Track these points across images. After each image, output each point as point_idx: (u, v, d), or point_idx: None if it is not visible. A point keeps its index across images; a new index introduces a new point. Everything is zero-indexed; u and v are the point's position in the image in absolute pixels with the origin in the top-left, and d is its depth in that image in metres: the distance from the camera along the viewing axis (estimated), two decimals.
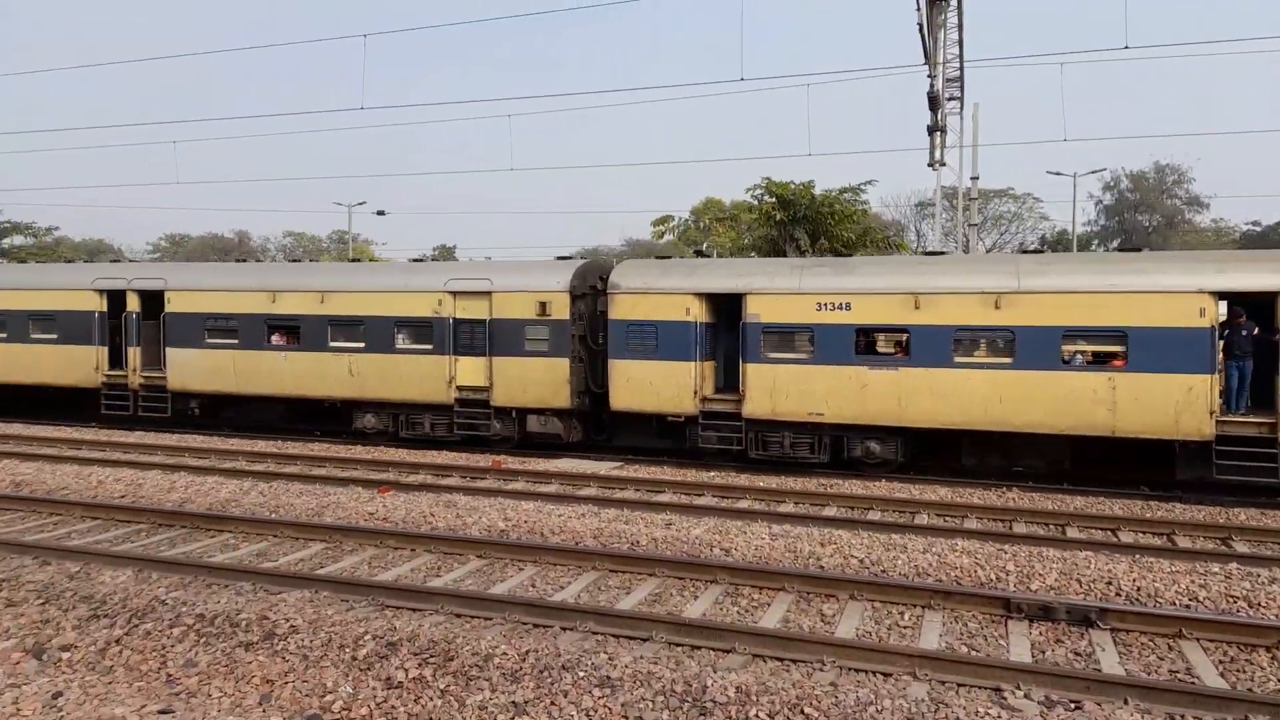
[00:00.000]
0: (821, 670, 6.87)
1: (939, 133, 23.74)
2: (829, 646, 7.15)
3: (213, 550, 10.36)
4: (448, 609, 8.21)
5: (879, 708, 5.99)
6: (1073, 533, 11.70)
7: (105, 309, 20.28)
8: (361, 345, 18.11)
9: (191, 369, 19.37)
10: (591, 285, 17.30)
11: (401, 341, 17.95)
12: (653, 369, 16.08)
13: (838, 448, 15.38)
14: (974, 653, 7.42)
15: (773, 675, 6.67)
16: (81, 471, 14.80)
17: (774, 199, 28.76)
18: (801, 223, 28.59)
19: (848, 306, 14.90)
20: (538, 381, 16.96)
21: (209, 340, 19.27)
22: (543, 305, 16.88)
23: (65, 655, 7.03)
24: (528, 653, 6.87)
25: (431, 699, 6.27)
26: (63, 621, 7.65)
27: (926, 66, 22.92)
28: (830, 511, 12.89)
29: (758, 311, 15.44)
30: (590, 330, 17.18)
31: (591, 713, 6.00)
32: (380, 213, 50.99)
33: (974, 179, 29.34)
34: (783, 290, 15.36)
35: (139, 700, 6.26)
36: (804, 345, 15.26)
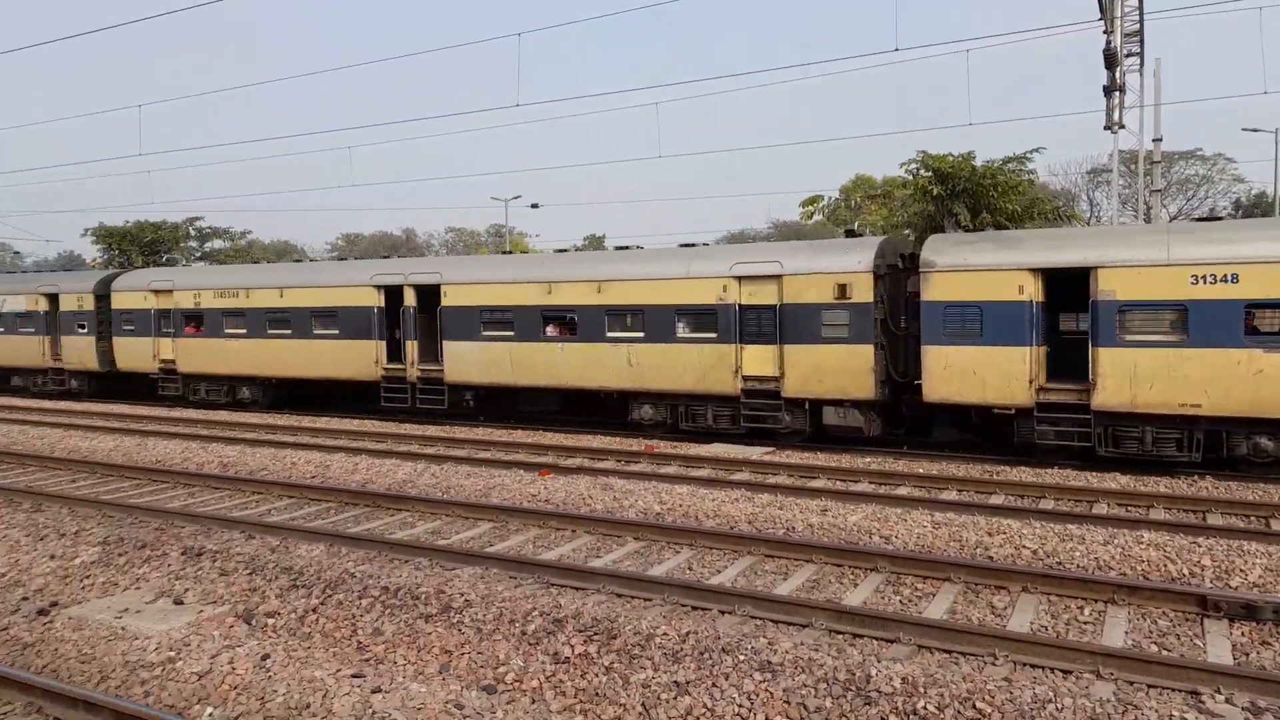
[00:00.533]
0: (994, 664, 6.59)
1: (1117, 93, 21.94)
2: (1001, 640, 6.85)
3: (393, 527, 11.11)
4: (609, 589, 8.44)
5: (1059, 705, 5.70)
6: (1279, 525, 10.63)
7: (383, 304, 20.56)
8: (640, 335, 17.53)
9: (467, 361, 19.35)
10: (891, 264, 16.11)
11: (682, 330, 17.22)
12: (977, 355, 14.56)
13: (1213, 444, 13.44)
14: (1165, 652, 6.90)
15: (940, 667, 6.46)
16: (278, 454, 16.20)
17: (930, 173, 27.52)
18: (961, 196, 27.20)
19: (1234, 279, 12.76)
20: (837, 370, 15.78)
21: (484, 333, 19.19)
22: (842, 288, 15.70)
23: (270, 621, 7.75)
24: (688, 634, 6.98)
25: (597, 675, 6.49)
26: (267, 590, 8.43)
27: (1102, 22, 21.23)
28: (997, 500, 12.29)
29: (1113, 287, 13.53)
30: (890, 313, 15.95)
31: (753, 696, 6.03)
32: (534, 205, 52.68)
33: (1156, 141, 26.93)
34: (1146, 262, 13.41)
35: (334, 664, 6.83)
36: (1174, 325, 13.29)
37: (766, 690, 6.07)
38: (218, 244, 53.67)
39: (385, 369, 20.56)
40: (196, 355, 23.63)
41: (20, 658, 7.11)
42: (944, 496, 12.42)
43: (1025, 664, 6.61)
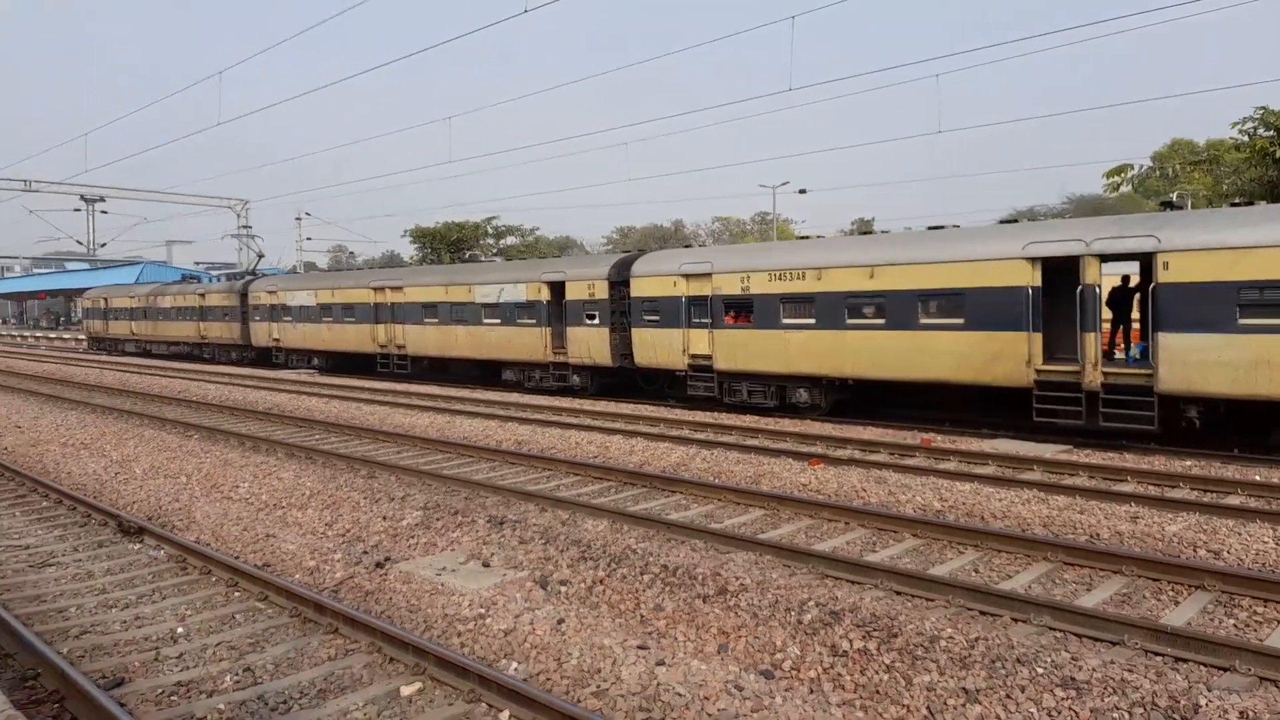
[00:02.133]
0: None
1: None
2: None
3: (668, 509, 11.55)
4: (886, 585, 8.18)
5: None
6: None
7: (1039, 283, 15.56)
8: None
9: (1214, 362, 13.58)
10: None
11: None
12: None
13: None
14: None
15: None
16: (563, 434, 17.46)
17: (1273, 132, 23.57)
18: None
19: None
20: None
21: (1242, 321, 13.44)
22: None
23: (563, 589, 8.38)
24: (976, 640, 6.58)
25: (877, 672, 6.32)
26: (559, 560, 9.12)
27: None
28: None
29: None
30: None
31: (1054, 713, 5.56)
32: (801, 191, 52.16)
33: None
34: None
35: (620, 635, 7.24)
36: None
37: (1070, 709, 5.57)
38: (510, 240, 58.79)
39: (1040, 370, 15.52)
40: (740, 350, 20.00)
41: (363, 603, 8.27)
42: None
43: None
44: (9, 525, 11.39)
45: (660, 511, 11.28)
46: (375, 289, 30.72)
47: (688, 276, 21.10)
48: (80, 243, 68.26)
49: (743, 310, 20.11)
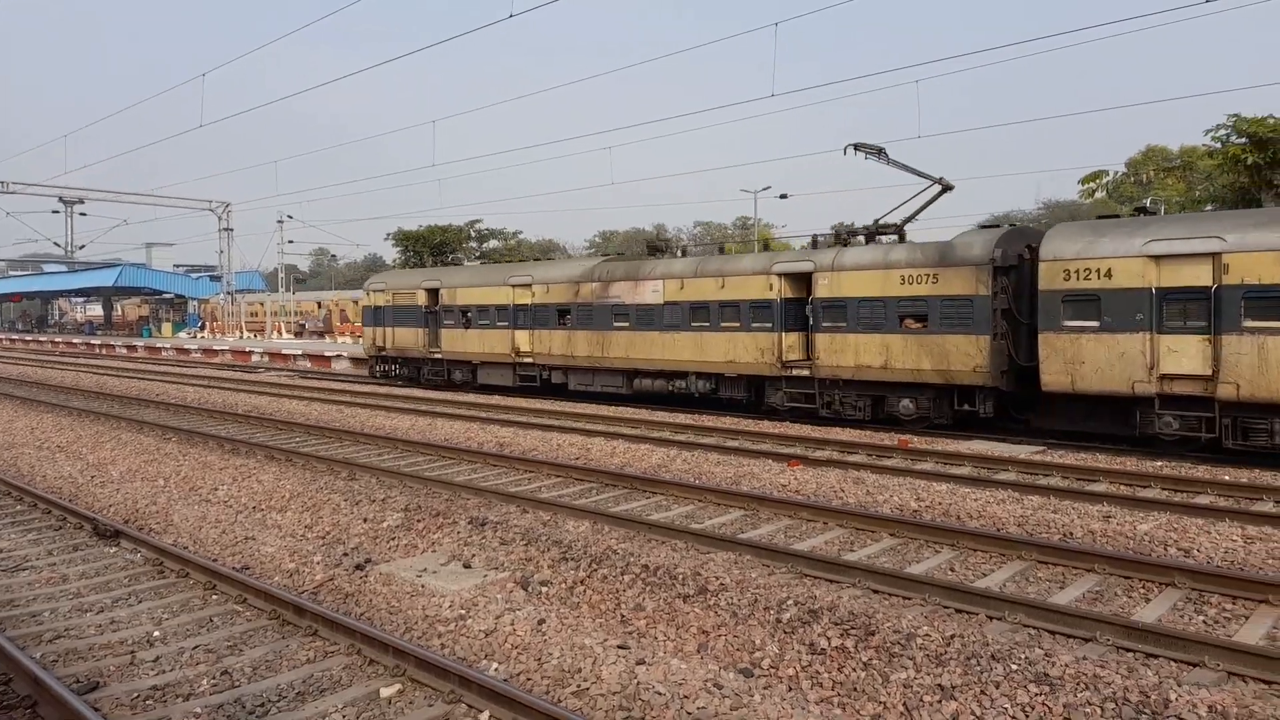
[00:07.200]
0: None
1: None
2: None
3: (649, 509, 11.58)
4: (864, 584, 8.26)
5: None
6: None
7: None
8: None
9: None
10: None
11: None
12: None
13: None
14: None
15: (1258, 699, 5.67)
16: (545, 436, 17.46)
17: (1245, 139, 23.97)
18: None
19: None
20: None
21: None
22: None
23: (544, 589, 8.40)
24: (952, 637, 6.66)
25: (854, 670, 6.39)
26: (540, 561, 9.13)
27: None
28: None
29: None
30: None
31: (1028, 709, 5.65)
32: (783, 196, 52.35)
33: None
34: None
35: (601, 634, 7.26)
36: None
37: (1044, 704, 5.66)
38: (493, 243, 58.64)
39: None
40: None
41: (343, 605, 8.25)
42: (1258, 508, 10.82)
43: None
44: None
45: (642, 512, 11.32)
46: None
47: None
48: (58, 245, 67.48)
49: None
